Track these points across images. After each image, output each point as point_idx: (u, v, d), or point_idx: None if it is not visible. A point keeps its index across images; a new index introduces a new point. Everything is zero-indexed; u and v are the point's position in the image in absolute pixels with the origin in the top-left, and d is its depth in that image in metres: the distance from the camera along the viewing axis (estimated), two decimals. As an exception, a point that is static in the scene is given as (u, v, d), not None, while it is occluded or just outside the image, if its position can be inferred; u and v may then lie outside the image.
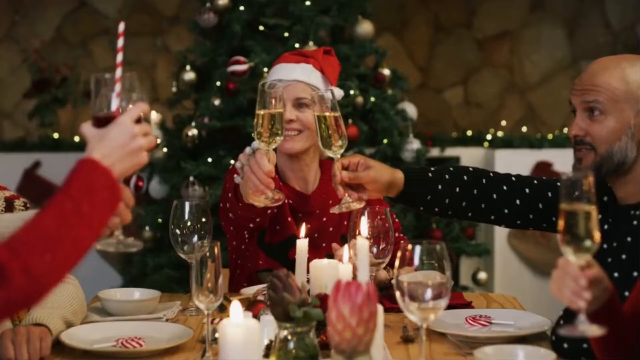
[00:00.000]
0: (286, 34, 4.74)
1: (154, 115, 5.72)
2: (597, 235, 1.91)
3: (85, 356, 2.35)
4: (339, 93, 3.17)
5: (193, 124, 4.69)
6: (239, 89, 4.68)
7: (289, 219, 3.05)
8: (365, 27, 4.92)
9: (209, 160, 4.64)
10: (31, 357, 2.33)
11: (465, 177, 2.82)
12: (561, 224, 1.93)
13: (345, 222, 3.05)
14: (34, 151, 6.16)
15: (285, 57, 3.25)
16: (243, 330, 1.87)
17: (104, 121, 1.92)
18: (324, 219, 3.09)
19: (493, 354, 2.21)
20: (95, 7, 7.03)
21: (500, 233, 6.12)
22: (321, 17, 4.82)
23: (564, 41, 7.19)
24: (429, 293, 1.98)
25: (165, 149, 4.88)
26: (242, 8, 4.81)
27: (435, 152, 5.66)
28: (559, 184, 2.71)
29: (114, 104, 1.95)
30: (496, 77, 7.21)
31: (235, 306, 1.86)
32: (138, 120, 1.97)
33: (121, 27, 2.01)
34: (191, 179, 4.52)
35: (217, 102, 4.67)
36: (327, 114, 2.63)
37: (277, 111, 2.57)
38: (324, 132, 2.62)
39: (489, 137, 6.40)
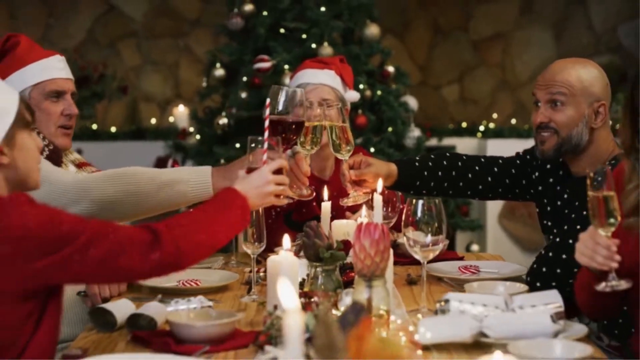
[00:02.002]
0: (304, 36, 5.04)
1: (182, 109, 6.16)
2: (618, 214, 2.28)
3: (153, 292, 2.75)
4: (355, 96, 3.61)
5: (223, 114, 5.01)
6: (264, 83, 4.98)
7: (314, 203, 3.37)
8: (372, 30, 5.24)
9: (237, 145, 4.95)
10: (112, 293, 2.76)
11: (444, 162, 3.23)
12: (591, 207, 2.30)
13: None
14: (75, 140, 6.30)
15: (307, 64, 3.58)
16: (286, 261, 2.38)
17: (252, 170, 2.49)
18: (340, 198, 3.53)
19: (478, 287, 2.71)
20: (123, 11, 7.15)
21: (492, 211, 6.35)
22: (334, 21, 5.13)
23: (552, 42, 7.29)
24: (428, 239, 2.51)
25: (197, 136, 5.21)
26: (265, 13, 5.14)
27: (433, 141, 5.94)
28: (518, 161, 3.25)
29: (263, 158, 2.50)
30: (489, 75, 7.33)
31: (286, 239, 2.36)
32: (279, 172, 2.48)
33: (266, 123, 2.57)
34: (222, 161, 4.79)
35: (244, 95, 4.99)
36: (337, 124, 2.92)
37: (318, 124, 2.88)
38: (335, 139, 2.94)
39: (482, 128, 6.64)
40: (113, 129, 6.73)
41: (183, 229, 2.17)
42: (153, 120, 6.94)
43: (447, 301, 2.35)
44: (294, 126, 2.70)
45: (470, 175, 3.26)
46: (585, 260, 2.33)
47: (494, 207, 6.41)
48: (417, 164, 3.23)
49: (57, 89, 3.06)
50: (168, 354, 2.11)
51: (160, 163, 5.55)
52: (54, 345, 2.09)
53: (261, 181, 2.46)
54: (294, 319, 1.26)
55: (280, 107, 2.69)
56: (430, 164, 3.24)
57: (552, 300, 2.34)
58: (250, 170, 2.51)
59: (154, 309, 2.42)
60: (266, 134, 2.54)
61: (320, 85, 3.45)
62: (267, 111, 2.64)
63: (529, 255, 6.13)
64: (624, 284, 2.29)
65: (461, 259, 3.31)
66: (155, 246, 2.07)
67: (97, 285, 2.75)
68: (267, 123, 2.59)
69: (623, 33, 7.24)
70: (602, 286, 2.30)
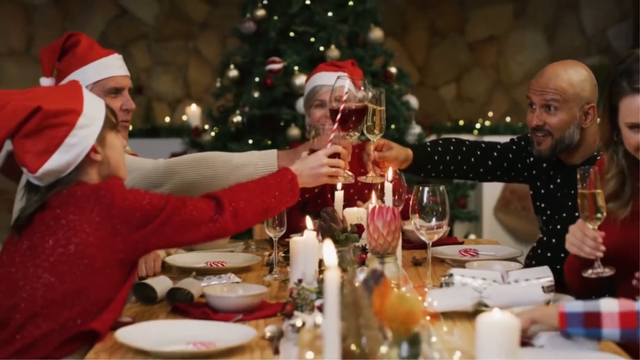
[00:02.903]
0: (312, 39, 5.19)
1: (195, 108, 6.40)
2: (604, 210, 2.49)
3: (184, 272, 2.96)
4: (360, 95, 3.81)
5: (237, 112, 5.17)
6: (275, 84, 5.15)
7: (328, 195, 3.62)
8: (376, 34, 5.39)
9: (250, 141, 5.12)
10: (148, 272, 3.01)
11: (451, 148, 3.46)
12: (580, 202, 2.51)
13: (366, 191, 3.62)
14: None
15: (322, 67, 3.77)
16: (308, 240, 2.62)
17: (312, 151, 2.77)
18: (351, 190, 3.68)
19: (478, 266, 2.98)
20: (135, 14, 7.23)
21: (488, 204, 6.46)
22: (341, 25, 5.30)
23: (544, 44, 7.38)
24: (433, 222, 2.78)
25: (212, 133, 5.39)
26: (276, 18, 5.29)
27: (433, 137, 5.80)
28: (514, 147, 3.48)
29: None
30: (485, 76, 7.43)
31: (308, 221, 2.61)
32: (334, 156, 2.75)
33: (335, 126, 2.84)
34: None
35: (256, 94, 5.15)
36: (377, 108, 3.02)
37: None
38: (369, 121, 3.06)
39: (478, 126, 6.72)
40: (130, 127, 6.80)
41: (240, 201, 2.46)
42: (167, 119, 7.06)
43: (451, 275, 2.62)
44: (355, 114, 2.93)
45: (473, 159, 3.48)
46: (574, 250, 2.56)
47: (489, 200, 6.51)
48: (428, 149, 3.45)
49: (116, 85, 3.14)
50: (206, 321, 2.39)
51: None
52: (124, 305, 2.41)
53: (315, 163, 2.74)
54: (333, 272, 1.53)
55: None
56: (439, 149, 3.45)
57: (543, 274, 2.60)
58: (312, 152, 2.79)
59: (189, 284, 2.70)
60: (334, 126, 2.84)
61: (336, 86, 3.66)
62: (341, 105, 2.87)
63: (522, 245, 6.14)
64: (607, 272, 2.52)
65: (461, 243, 3.54)
66: (218, 216, 2.39)
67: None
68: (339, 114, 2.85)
69: (612, 35, 7.32)
70: (588, 273, 2.53)
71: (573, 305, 2.17)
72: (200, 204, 2.41)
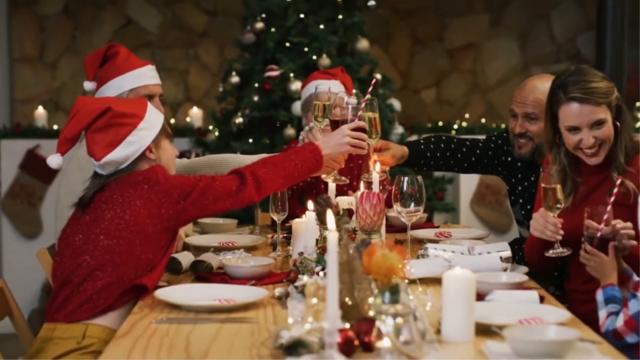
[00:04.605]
0: (306, 49, 5.44)
1: (196, 111, 6.77)
2: (563, 201, 2.90)
3: (201, 250, 3.37)
4: (354, 101, 4.13)
5: (239, 114, 5.44)
6: (273, 89, 5.41)
7: (322, 186, 3.98)
8: (362, 44, 5.68)
9: (250, 140, 5.40)
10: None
11: (442, 145, 3.81)
12: (543, 195, 2.90)
13: (354, 183, 3.87)
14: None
15: (316, 75, 4.11)
16: (309, 223, 3.06)
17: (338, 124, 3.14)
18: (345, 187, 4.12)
19: (450, 243, 3.46)
20: (140, 24, 7.28)
21: (464, 197, 6.63)
22: (331, 36, 5.55)
23: (518, 51, 7.42)
24: (411, 207, 3.25)
25: (216, 133, 5.70)
26: (273, 30, 5.54)
27: (414, 138, 5.92)
28: (492, 144, 3.84)
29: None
30: (463, 80, 7.45)
31: (310, 204, 3.02)
32: (356, 130, 3.12)
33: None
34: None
35: (256, 98, 5.41)
36: (372, 115, 3.30)
37: (326, 103, 3.33)
38: (368, 128, 3.27)
39: (455, 127, 6.85)
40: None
41: (260, 171, 2.87)
42: (172, 121, 7.06)
43: (426, 249, 3.11)
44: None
45: (459, 155, 3.82)
46: (537, 234, 2.99)
47: (466, 194, 6.68)
48: (422, 146, 3.77)
49: (148, 93, 3.38)
50: (226, 285, 2.87)
51: (181, 157, 5.89)
52: (164, 268, 2.84)
53: (338, 135, 3.11)
54: (333, 235, 2.01)
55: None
56: (431, 146, 3.78)
57: (503, 248, 3.09)
58: (336, 123, 3.16)
59: (209, 257, 3.17)
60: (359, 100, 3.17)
61: (329, 93, 3.96)
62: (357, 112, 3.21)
63: (496, 235, 6.35)
64: (566, 252, 2.94)
65: (437, 227, 3.95)
66: (242, 187, 2.82)
67: None
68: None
69: (581, 43, 7.39)
70: (550, 253, 2.95)
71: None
72: (226, 179, 2.84)
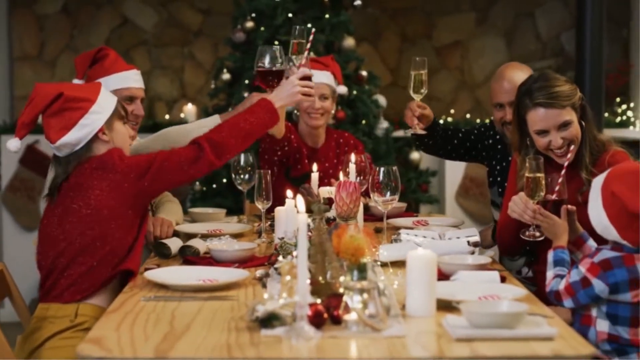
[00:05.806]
0: None
1: (190, 107, 6.90)
2: (543, 190, 2.99)
3: (190, 236, 3.48)
4: (344, 89, 4.26)
5: (230, 109, 5.21)
6: None
7: (306, 161, 4.21)
8: (349, 42, 5.85)
9: None
10: (162, 235, 3.49)
11: (449, 132, 4.07)
12: (527, 183, 2.98)
13: (339, 167, 4.08)
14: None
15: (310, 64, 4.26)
16: (289, 210, 3.26)
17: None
18: (326, 164, 4.32)
19: (424, 229, 3.64)
20: (136, 23, 7.33)
21: (449, 190, 6.74)
22: (319, 34, 5.67)
23: (504, 49, 7.46)
24: (387, 195, 3.43)
25: None
26: (263, 28, 5.70)
27: (400, 132, 6.37)
28: (475, 131, 4.05)
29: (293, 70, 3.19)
30: (450, 77, 7.48)
31: (289, 192, 3.21)
32: (304, 79, 3.19)
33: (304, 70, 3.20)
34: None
35: (246, 94, 5.40)
36: (422, 72, 3.62)
37: (301, 41, 3.34)
38: (416, 84, 3.62)
39: (441, 122, 6.31)
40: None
41: (219, 137, 2.97)
42: (167, 117, 7.19)
43: (399, 234, 3.29)
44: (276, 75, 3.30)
45: (455, 142, 4.08)
46: (515, 215, 3.10)
47: (451, 187, 6.79)
48: (438, 127, 4.02)
49: (130, 95, 3.58)
50: (211, 267, 3.05)
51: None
52: (142, 250, 2.99)
53: (289, 85, 3.19)
54: (302, 216, 2.20)
55: (266, 62, 3.30)
56: (440, 131, 4.03)
57: (471, 234, 3.27)
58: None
59: (196, 242, 3.35)
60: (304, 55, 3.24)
61: (321, 84, 4.17)
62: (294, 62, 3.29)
63: (478, 225, 6.33)
64: (539, 236, 3.08)
65: (415, 216, 4.13)
66: (200, 154, 2.93)
67: (152, 228, 3.50)
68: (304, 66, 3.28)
69: (565, 40, 7.46)
70: (526, 235, 3.09)
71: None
72: (184, 149, 2.96)
